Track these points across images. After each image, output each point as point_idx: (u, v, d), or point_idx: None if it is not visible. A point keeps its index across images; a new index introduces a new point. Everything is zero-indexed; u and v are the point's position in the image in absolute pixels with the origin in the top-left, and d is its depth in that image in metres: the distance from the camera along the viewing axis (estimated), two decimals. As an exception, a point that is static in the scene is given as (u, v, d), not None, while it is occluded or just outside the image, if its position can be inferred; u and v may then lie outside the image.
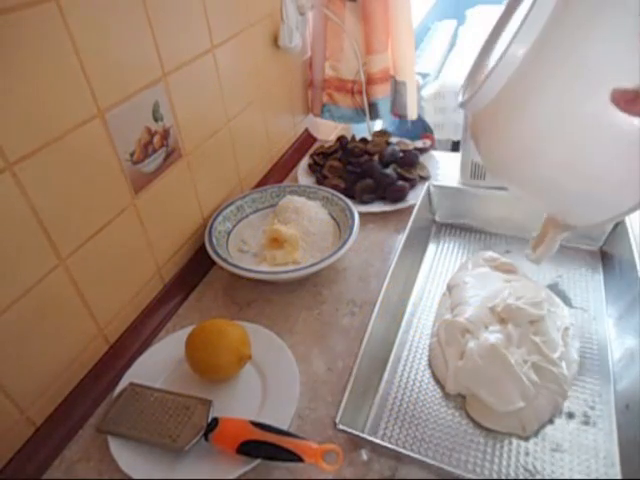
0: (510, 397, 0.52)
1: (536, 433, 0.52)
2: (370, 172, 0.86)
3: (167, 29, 0.62)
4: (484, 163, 0.43)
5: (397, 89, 1.05)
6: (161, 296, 0.68)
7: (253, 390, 0.57)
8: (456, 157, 0.92)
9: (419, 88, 1.66)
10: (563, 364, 0.55)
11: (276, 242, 0.73)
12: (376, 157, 0.89)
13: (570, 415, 0.53)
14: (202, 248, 0.73)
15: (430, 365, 0.59)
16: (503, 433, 0.52)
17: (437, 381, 0.57)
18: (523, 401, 0.51)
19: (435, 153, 0.99)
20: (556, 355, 0.55)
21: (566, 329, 0.59)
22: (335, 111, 1.08)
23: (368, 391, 0.55)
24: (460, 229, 0.81)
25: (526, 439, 0.51)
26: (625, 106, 0.36)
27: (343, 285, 0.72)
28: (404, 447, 0.51)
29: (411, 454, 0.48)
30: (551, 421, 0.52)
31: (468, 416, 0.54)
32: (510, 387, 0.52)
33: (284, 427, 0.51)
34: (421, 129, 1.30)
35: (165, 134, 0.65)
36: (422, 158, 0.94)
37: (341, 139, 0.96)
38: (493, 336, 0.56)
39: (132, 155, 0.60)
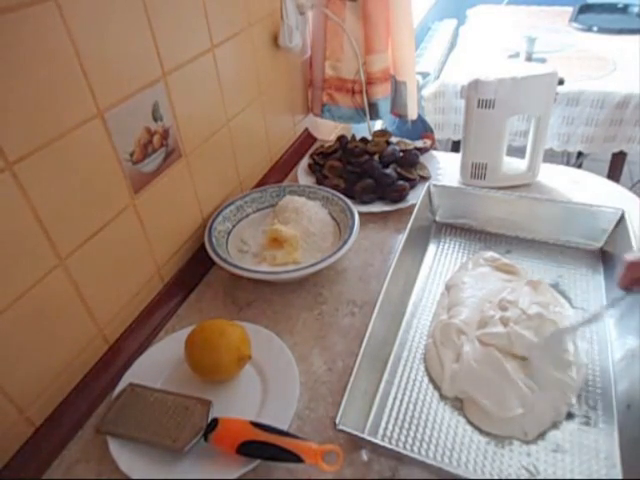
0: (507, 403, 0.51)
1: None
2: (370, 172, 0.86)
3: (167, 28, 0.62)
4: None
5: (397, 89, 1.05)
6: (161, 296, 0.68)
7: (253, 390, 0.57)
8: (456, 157, 0.92)
9: (419, 88, 1.65)
10: (573, 369, 0.54)
11: (276, 242, 0.73)
12: (376, 157, 0.89)
13: (571, 415, 0.53)
14: (202, 248, 0.73)
15: (426, 366, 0.59)
16: (504, 436, 0.51)
17: (433, 382, 0.57)
18: (522, 407, 0.51)
19: (435, 153, 0.99)
20: (562, 360, 0.55)
21: None
22: (335, 111, 1.08)
23: (368, 391, 0.55)
24: (460, 229, 0.81)
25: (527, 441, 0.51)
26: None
27: (343, 285, 0.72)
28: (404, 447, 0.51)
29: (411, 454, 0.48)
30: (553, 424, 0.52)
31: (467, 419, 0.53)
32: (507, 393, 0.52)
33: (284, 427, 0.51)
34: (421, 129, 1.29)
35: (165, 134, 0.65)
36: (422, 158, 0.93)
37: (341, 139, 0.96)
38: (492, 340, 0.56)
39: (132, 155, 0.59)
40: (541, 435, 0.51)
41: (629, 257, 0.51)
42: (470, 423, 0.53)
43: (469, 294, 0.64)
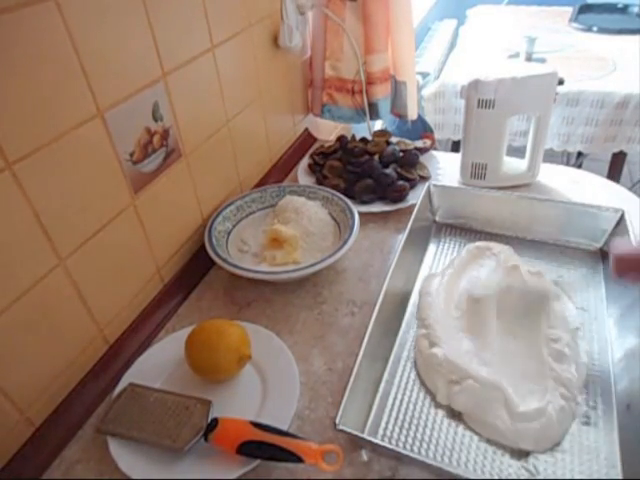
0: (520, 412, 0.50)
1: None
2: (370, 172, 0.86)
3: (167, 28, 0.62)
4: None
5: (397, 89, 1.05)
6: (161, 296, 0.68)
7: (253, 390, 0.57)
8: (456, 157, 0.92)
9: (419, 88, 1.65)
10: (573, 368, 0.54)
11: (276, 242, 0.73)
12: (376, 157, 0.89)
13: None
14: (202, 248, 0.73)
15: (418, 372, 0.58)
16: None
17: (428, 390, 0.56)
18: (538, 420, 0.49)
19: (435, 153, 0.99)
20: (563, 359, 0.54)
21: (576, 329, 0.59)
22: (335, 111, 1.08)
23: (368, 391, 0.55)
24: (460, 229, 0.81)
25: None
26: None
27: (343, 285, 0.72)
28: (404, 447, 0.51)
29: (411, 454, 0.48)
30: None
31: (467, 424, 0.53)
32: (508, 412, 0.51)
33: (284, 427, 0.51)
34: (421, 129, 1.29)
35: (165, 134, 0.65)
36: (422, 158, 0.93)
37: (341, 139, 0.96)
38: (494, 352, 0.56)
39: (132, 155, 0.60)
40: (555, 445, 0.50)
41: (616, 251, 0.48)
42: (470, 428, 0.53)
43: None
